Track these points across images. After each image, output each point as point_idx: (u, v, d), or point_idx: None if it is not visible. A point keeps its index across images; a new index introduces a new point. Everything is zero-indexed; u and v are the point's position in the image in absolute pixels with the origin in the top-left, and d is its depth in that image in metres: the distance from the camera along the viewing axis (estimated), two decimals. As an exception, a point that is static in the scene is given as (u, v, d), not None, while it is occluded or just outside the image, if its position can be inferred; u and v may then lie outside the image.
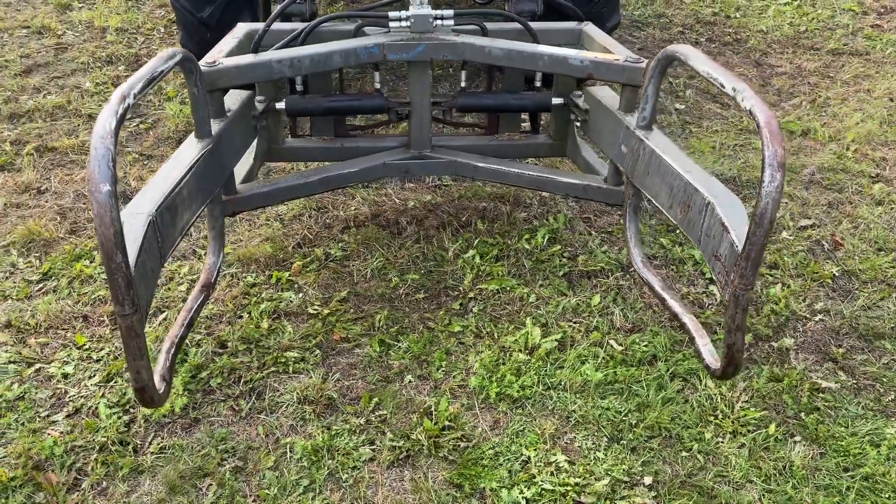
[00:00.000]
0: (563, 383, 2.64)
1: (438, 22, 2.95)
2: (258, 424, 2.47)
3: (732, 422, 2.52)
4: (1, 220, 3.49)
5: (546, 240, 3.37)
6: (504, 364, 2.71)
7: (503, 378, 2.64)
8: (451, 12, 2.95)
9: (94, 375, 2.63)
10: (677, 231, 3.50)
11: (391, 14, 2.94)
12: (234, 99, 2.74)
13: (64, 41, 5.26)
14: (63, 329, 2.84)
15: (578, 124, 3.12)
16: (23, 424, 2.43)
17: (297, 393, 2.57)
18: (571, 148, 3.34)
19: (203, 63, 2.58)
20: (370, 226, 3.47)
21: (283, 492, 2.25)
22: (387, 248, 3.32)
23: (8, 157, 3.97)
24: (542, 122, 3.55)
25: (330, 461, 2.34)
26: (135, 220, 1.98)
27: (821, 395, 2.64)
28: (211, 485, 2.25)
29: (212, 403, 2.54)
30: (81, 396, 2.55)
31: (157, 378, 2.00)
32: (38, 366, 2.67)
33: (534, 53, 2.86)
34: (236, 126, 2.72)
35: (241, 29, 3.04)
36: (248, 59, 2.72)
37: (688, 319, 2.27)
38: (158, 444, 2.37)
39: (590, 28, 3.12)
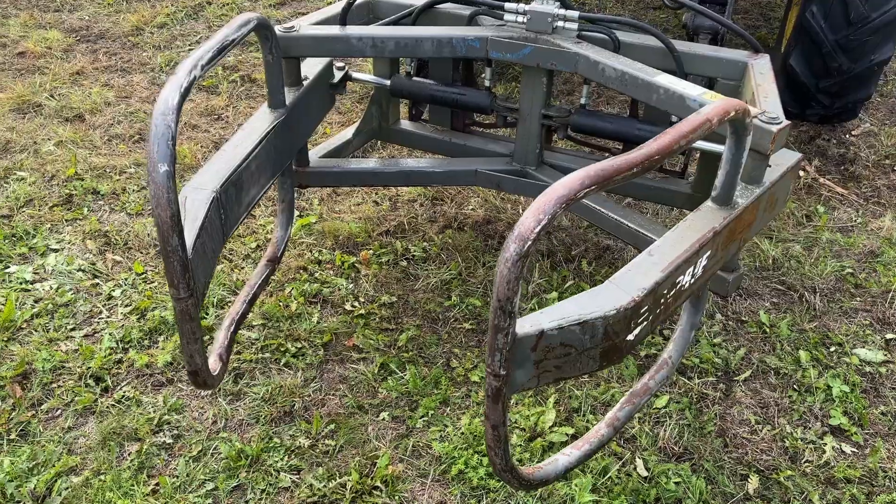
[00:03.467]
0: (540, 491, 2.15)
1: (560, 23, 2.47)
2: (214, 407, 2.39)
3: None
4: (174, 137, 3.80)
5: (650, 307, 2.74)
6: (489, 439, 2.28)
7: (474, 455, 2.23)
8: (575, 14, 2.45)
9: (130, 305, 2.76)
10: (830, 348, 2.64)
11: (507, 5, 2.53)
12: (311, 67, 2.59)
13: (325, -21, 5.53)
14: (139, 252, 3.02)
15: None
16: (46, 331, 2.64)
17: (269, 388, 2.43)
18: (712, 206, 2.64)
19: (280, 28, 2.45)
20: (470, 232, 3.14)
21: (185, 485, 2.15)
22: (469, 262, 2.98)
23: (215, 81, 4.30)
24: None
25: (244, 474, 2.19)
26: (197, 196, 1.90)
27: None
28: (131, 451, 2.24)
29: (193, 370, 2.51)
30: (106, 321, 2.69)
31: (213, 358, 1.96)
32: (97, 281, 2.88)
33: (649, 82, 2.26)
34: (312, 95, 2.57)
35: (362, -4, 2.84)
36: (327, 30, 2.53)
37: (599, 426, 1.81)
38: (122, 393, 2.42)
39: (759, 63, 2.36)
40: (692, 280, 1.70)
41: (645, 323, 1.58)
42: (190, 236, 1.73)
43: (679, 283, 1.64)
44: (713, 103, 1.54)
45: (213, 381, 1.88)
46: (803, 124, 3.89)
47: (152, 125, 1.56)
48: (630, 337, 1.54)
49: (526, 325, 1.40)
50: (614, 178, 1.31)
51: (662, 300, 1.60)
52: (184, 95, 1.62)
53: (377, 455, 2.24)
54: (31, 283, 2.84)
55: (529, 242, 1.23)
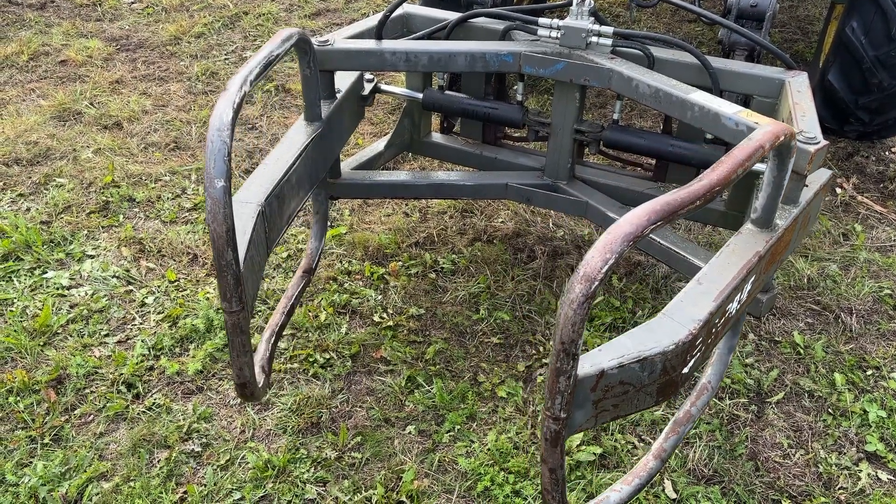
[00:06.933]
0: (566, 509, 2.12)
1: (594, 39, 2.46)
2: (243, 416, 2.41)
3: None
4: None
5: (681, 325, 2.71)
6: (516, 457, 2.27)
7: (500, 472, 2.21)
8: (609, 30, 2.44)
9: (162, 313, 2.79)
10: (867, 371, 2.58)
11: (541, 20, 2.52)
12: (343, 79, 2.61)
13: (360, -10, 5.58)
14: (172, 260, 3.06)
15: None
16: (81, 337, 2.68)
17: (297, 399, 2.44)
18: (746, 224, 2.60)
19: (315, 42, 2.47)
20: (500, 245, 3.13)
21: (213, 494, 2.17)
22: (498, 275, 2.97)
23: (249, 90, 4.34)
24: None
25: (271, 484, 2.20)
26: (244, 210, 1.92)
27: None
28: (161, 458, 2.26)
29: (222, 379, 2.53)
30: (138, 328, 2.73)
31: (256, 369, 1.96)
32: (131, 287, 2.92)
33: (683, 100, 2.24)
34: (345, 108, 2.59)
35: (403, 9, 2.85)
36: (362, 44, 2.55)
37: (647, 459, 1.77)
38: (153, 400, 2.45)
39: (796, 81, 2.33)
40: (739, 306, 1.68)
41: (698, 354, 1.54)
42: (241, 250, 1.74)
43: (728, 310, 1.61)
44: (763, 128, 1.52)
45: (260, 393, 1.90)
46: (841, 141, 3.83)
47: (208, 141, 1.58)
48: (685, 370, 1.50)
49: (586, 364, 1.34)
50: (679, 211, 1.27)
51: (714, 329, 1.57)
52: (237, 111, 1.66)
53: (403, 469, 2.24)
54: (68, 289, 2.89)
55: (596, 283, 1.17)
